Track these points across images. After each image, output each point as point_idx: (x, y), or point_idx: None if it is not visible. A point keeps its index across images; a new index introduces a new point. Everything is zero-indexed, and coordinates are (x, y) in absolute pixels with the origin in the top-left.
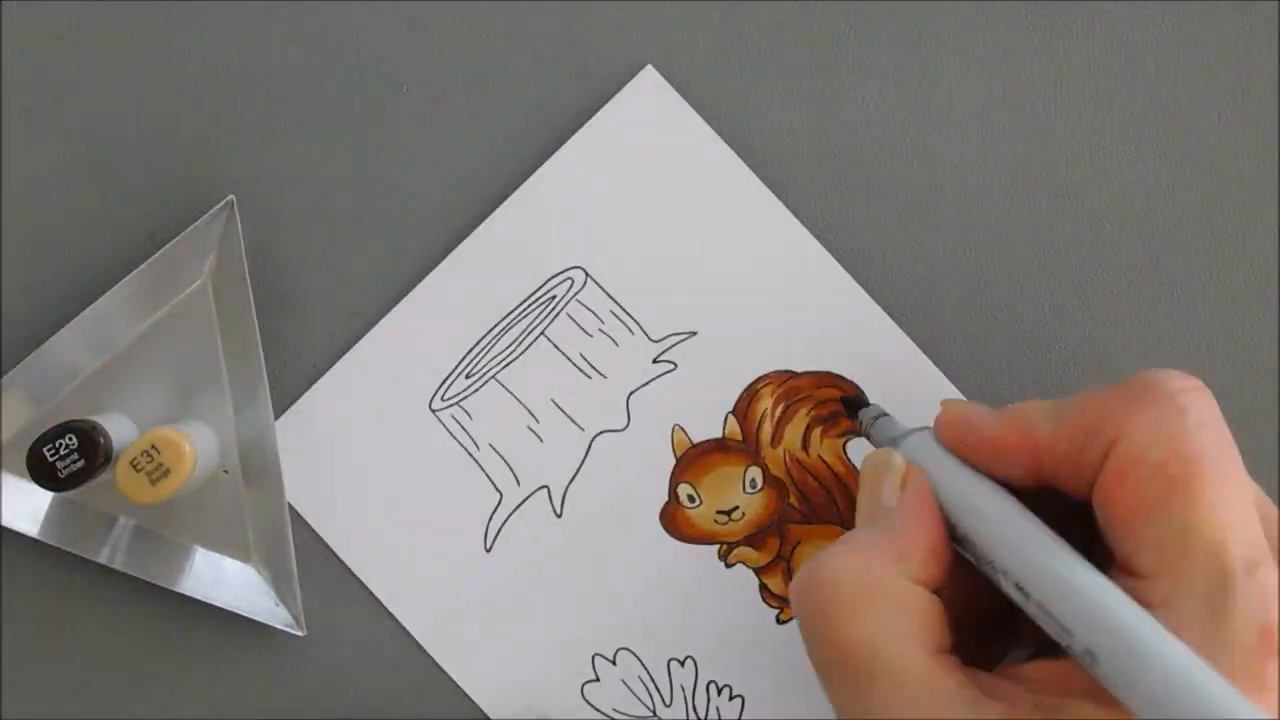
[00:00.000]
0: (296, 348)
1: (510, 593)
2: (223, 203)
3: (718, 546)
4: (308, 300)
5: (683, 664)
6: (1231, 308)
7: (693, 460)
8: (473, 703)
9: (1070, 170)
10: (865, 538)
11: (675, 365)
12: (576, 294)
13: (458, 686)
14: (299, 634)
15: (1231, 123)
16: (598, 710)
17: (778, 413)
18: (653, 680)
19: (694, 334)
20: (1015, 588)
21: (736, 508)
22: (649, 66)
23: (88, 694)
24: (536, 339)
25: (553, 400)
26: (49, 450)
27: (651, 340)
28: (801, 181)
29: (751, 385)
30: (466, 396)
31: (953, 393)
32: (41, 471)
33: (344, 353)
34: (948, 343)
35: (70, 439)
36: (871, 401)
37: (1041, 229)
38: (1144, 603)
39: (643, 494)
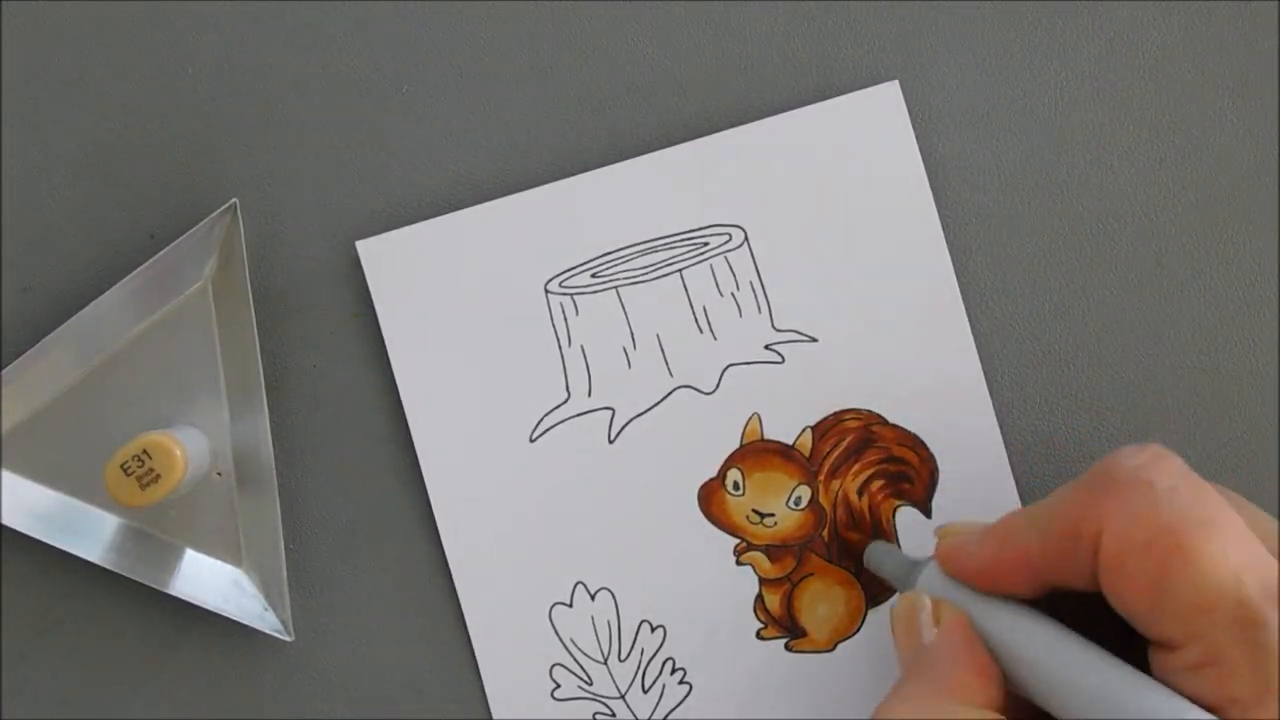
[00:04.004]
0: (297, 349)
1: (532, 488)
2: (226, 205)
3: (737, 541)
4: (308, 301)
5: (653, 630)
6: (1231, 308)
7: (755, 453)
8: (459, 705)
9: (1071, 170)
10: (914, 686)
11: (783, 359)
12: (727, 251)
13: (444, 691)
14: (287, 639)
15: (1231, 123)
16: (556, 633)
17: (851, 449)
18: (619, 631)
19: (814, 340)
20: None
21: (773, 515)
22: (896, 82)
23: (75, 695)
24: (671, 274)
25: (657, 336)
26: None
27: (774, 327)
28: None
29: (840, 412)
30: (582, 293)
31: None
32: None
33: (343, 351)
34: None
35: None
36: (876, 538)
37: (1043, 229)
38: (1185, 669)
39: (694, 461)
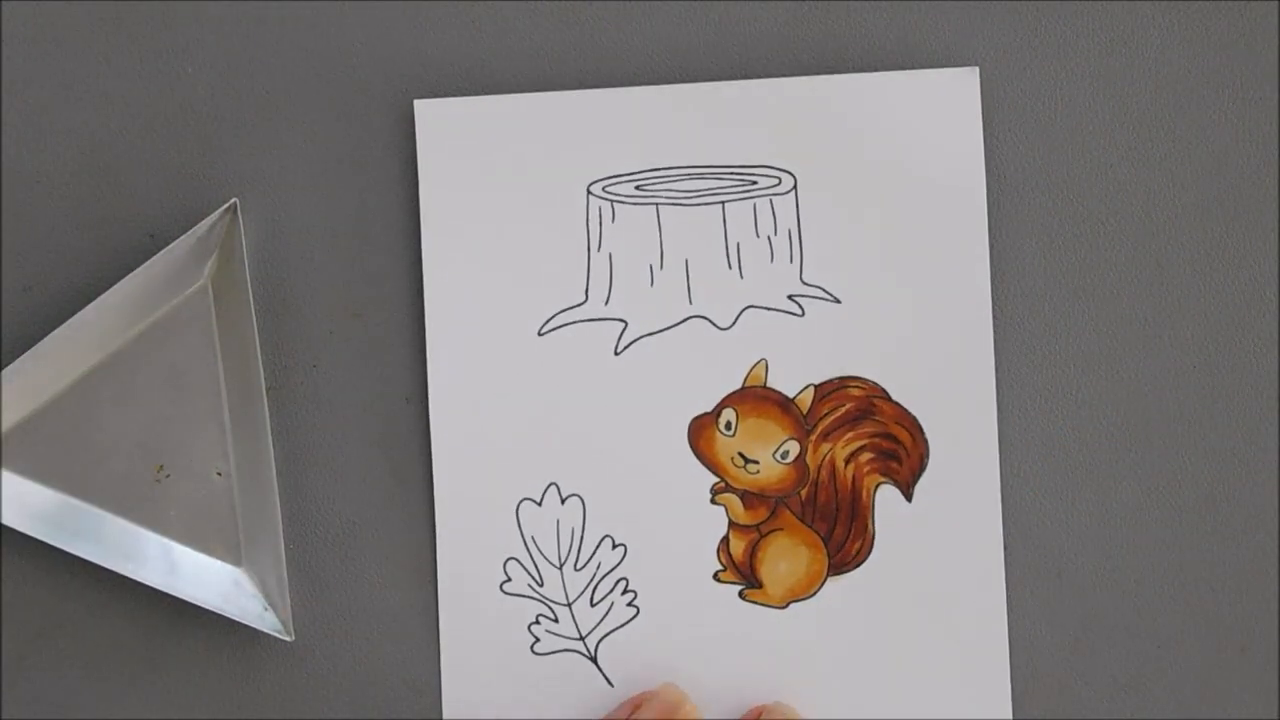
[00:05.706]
0: (297, 349)
1: (529, 381)
2: (226, 205)
3: (716, 480)
4: (308, 300)
5: (615, 547)
6: (1231, 308)
7: (754, 398)
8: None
9: (1070, 170)
10: None
11: (803, 313)
12: (774, 194)
13: (444, 692)
14: (287, 639)
15: (1231, 123)
16: (519, 528)
17: (849, 417)
18: (581, 540)
19: (838, 301)
20: None
21: (758, 462)
22: (976, 69)
23: (75, 695)
24: (714, 204)
25: (686, 261)
26: None
27: (802, 279)
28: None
29: (847, 378)
30: (623, 201)
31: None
32: None
33: (343, 351)
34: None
35: None
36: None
37: (1042, 229)
38: None
39: (693, 392)
